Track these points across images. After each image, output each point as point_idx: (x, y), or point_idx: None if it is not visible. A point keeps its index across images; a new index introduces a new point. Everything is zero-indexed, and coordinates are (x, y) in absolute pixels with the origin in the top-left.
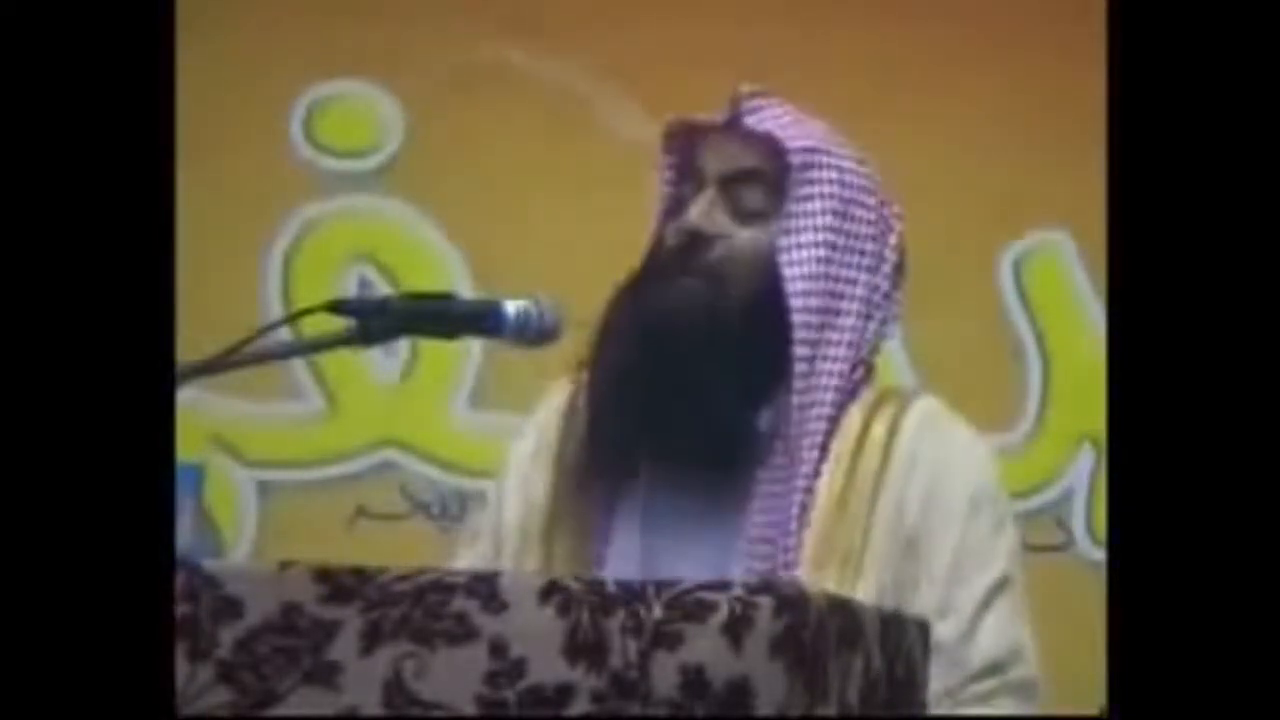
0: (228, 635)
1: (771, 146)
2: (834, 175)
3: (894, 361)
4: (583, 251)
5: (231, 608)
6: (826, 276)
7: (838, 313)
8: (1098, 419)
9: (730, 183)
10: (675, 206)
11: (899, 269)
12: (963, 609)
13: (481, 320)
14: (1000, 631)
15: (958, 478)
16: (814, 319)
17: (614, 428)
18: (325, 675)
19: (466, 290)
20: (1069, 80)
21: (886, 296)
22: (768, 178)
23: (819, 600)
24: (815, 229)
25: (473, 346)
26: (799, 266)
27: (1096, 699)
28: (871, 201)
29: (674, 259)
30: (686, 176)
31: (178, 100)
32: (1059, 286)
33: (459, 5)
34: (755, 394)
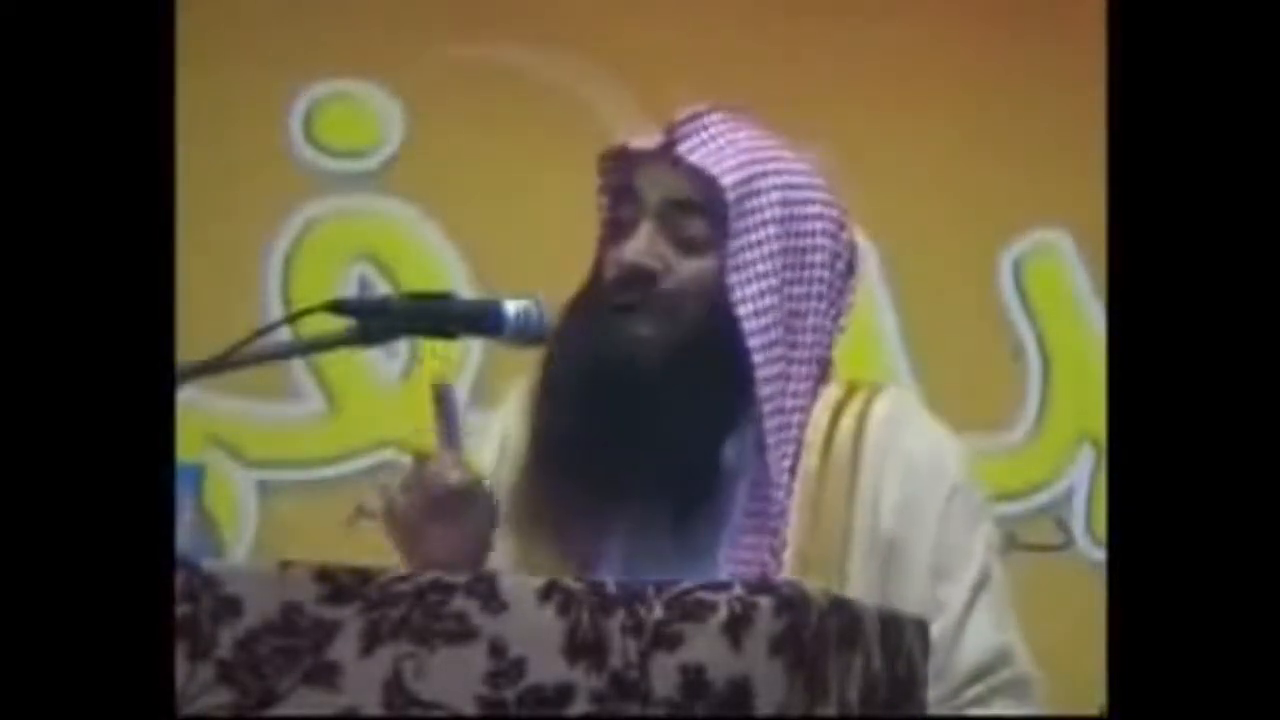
0: (228, 635)
1: (706, 178)
2: (776, 197)
3: (894, 361)
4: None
5: (231, 608)
6: (783, 299)
7: (799, 330)
8: (1098, 419)
9: (669, 212)
10: (614, 233)
11: (851, 265)
12: (950, 607)
13: (481, 320)
14: (988, 629)
15: (930, 471)
16: (776, 346)
17: (573, 469)
18: (325, 675)
19: (466, 290)
20: (1069, 80)
21: (840, 293)
22: (706, 209)
23: (819, 600)
24: (763, 258)
25: (473, 346)
26: (752, 302)
27: (1096, 699)
28: (818, 209)
29: (617, 293)
30: (624, 202)
31: (178, 100)
32: (1059, 286)
33: (459, 5)
34: (720, 423)
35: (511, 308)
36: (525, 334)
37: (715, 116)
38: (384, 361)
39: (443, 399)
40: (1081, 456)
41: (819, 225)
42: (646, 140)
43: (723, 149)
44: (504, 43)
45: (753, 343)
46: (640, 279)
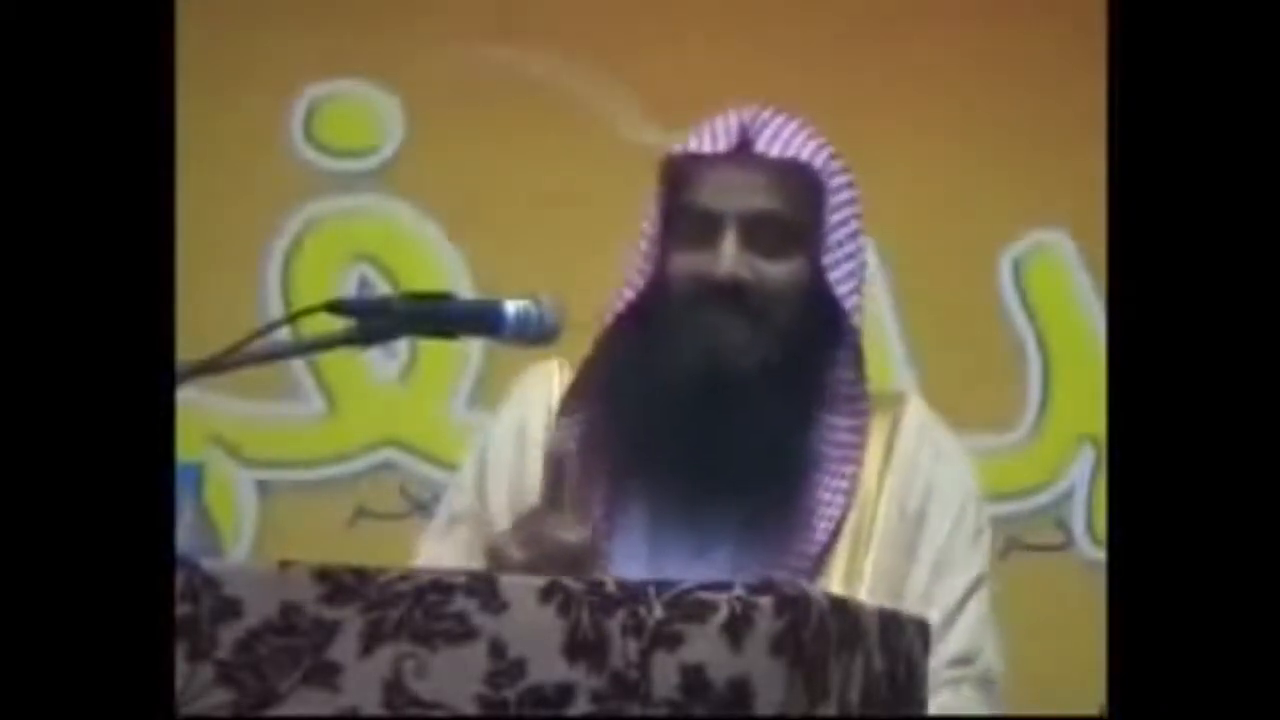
0: (227, 635)
1: (793, 169)
2: (846, 179)
3: (895, 361)
4: (583, 252)
5: (231, 608)
6: (861, 282)
7: (861, 314)
8: (1098, 419)
9: (752, 221)
10: (685, 243)
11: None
12: (945, 602)
13: (481, 320)
14: (973, 626)
15: (950, 482)
16: (858, 330)
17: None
18: (325, 675)
19: (466, 290)
20: (1069, 80)
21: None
22: (794, 206)
23: (819, 600)
24: (853, 235)
25: (473, 346)
26: (848, 282)
27: (1096, 699)
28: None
29: (707, 303)
30: (692, 213)
31: (178, 100)
32: (1059, 286)
33: (459, 5)
34: (804, 426)
35: (511, 308)
36: (525, 334)
37: (765, 112)
38: (384, 361)
39: (561, 466)
40: (1081, 456)
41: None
42: (716, 143)
43: (796, 134)
44: (504, 43)
45: (852, 320)
46: (730, 292)
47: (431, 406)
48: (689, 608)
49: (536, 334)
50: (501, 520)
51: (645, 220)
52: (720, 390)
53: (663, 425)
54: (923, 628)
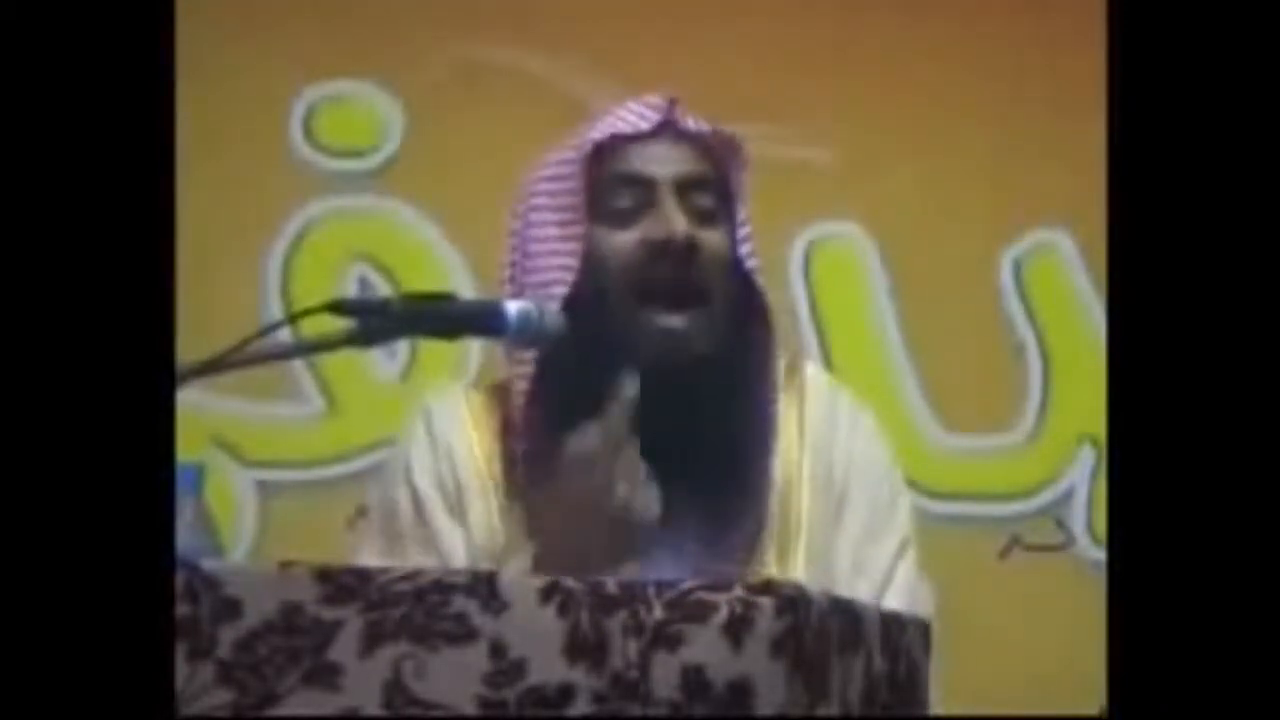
0: (228, 635)
1: (717, 141)
2: (747, 154)
3: (895, 361)
4: None
5: (231, 608)
6: (757, 260)
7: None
8: (1098, 419)
9: (684, 187)
10: (624, 219)
11: None
12: (876, 567)
13: (481, 320)
14: (904, 591)
15: (863, 447)
16: (768, 304)
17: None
18: (325, 675)
19: (466, 290)
20: (1069, 80)
21: None
22: (720, 171)
23: (820, 600)
24: (750, 218)
25: (472, 346)
26: (754, 257)
27: (1096, 699)
28: None
29: (647, 272)
30: (630, 186)
31: (178, 100)
32: (1059, 286)
33: (459, 5)
34: (753, 407)
35: (512, 308)
36: (525, 334)
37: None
38: (384, 361)
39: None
40: (1081, 456)
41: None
42: (641, 123)
43: (715, 116)
44: (504, 43)
45: (760, 304)
46: (675, 251)
47: None
48: (689, 608)
49: (537, 334)
50: (445, 536)
51: (547, 214)
52: (674, 376)
53: (637, 416)
54: (924, 628)
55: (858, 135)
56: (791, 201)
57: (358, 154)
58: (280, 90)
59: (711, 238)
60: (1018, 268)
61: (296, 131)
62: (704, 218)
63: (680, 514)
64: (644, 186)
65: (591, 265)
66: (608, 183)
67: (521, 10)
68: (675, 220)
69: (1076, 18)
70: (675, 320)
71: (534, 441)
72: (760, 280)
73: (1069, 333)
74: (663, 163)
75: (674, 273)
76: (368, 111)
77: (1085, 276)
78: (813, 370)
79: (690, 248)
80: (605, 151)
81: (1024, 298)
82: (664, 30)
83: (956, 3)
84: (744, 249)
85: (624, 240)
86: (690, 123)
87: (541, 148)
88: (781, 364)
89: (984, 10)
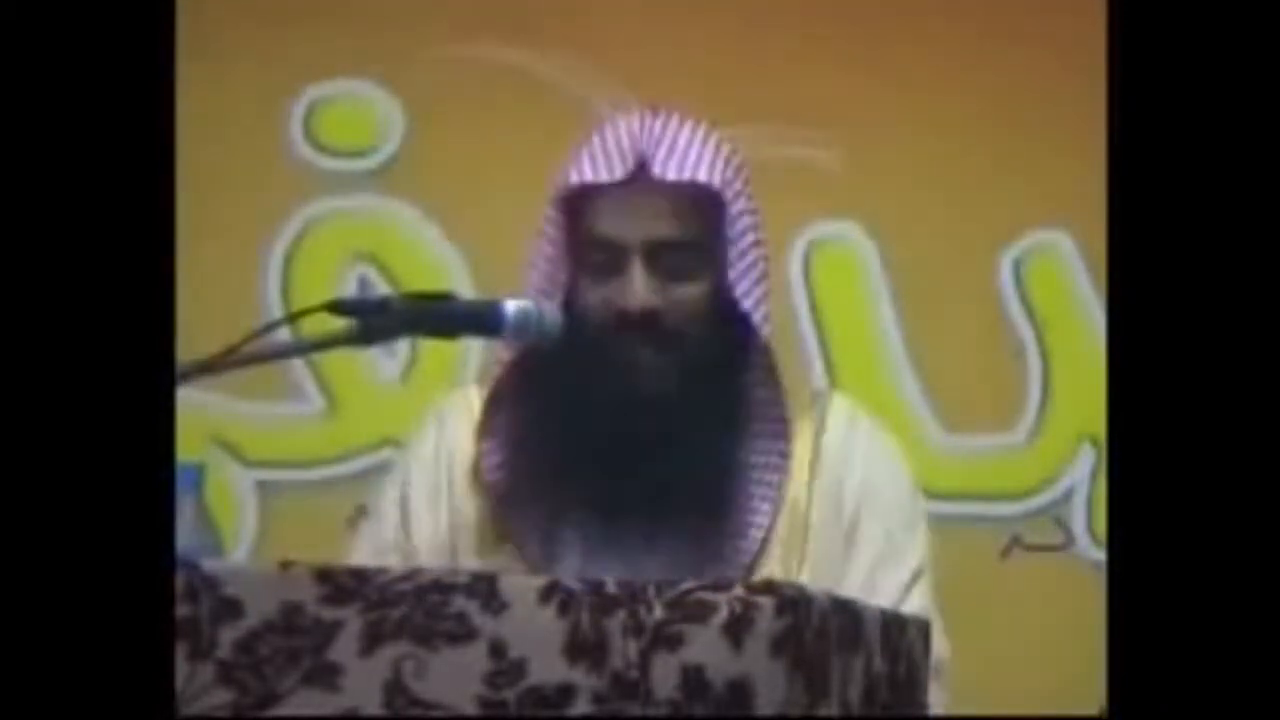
0: (228, 635)
1: (695, 193)
2: (746, 188)
3: (895, 361)
4: None
5: (231, 608)
6: (766, 293)
7: (770, 324)
8: (1098, 419)
9: (656, 250)
10: (595, 276)
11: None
12: (887, 595)
13: (481, 320)
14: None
15: (882, 476)
16: (768, 341)
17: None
18: (325, 675)
19: (466, 290)
20: (1069, 79)
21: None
22: (696, 229)
23: (820, 601)
24: (754, 246)
25: (472, 346)
26: (754, 294)
27: (1096, 699)
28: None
29: (620, 332)
30: (596, 242)
31: (178, 99)
32: (1059, 286)
33: (459, 5)
34: (725, 433)
35: (511, 308)
36: (525, 334)
37: (658, 121)
38: (384, 361)
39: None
40: (1081, 456)
41: (753, 202)
42: (613, 169)
43: (692, 147)
44: (504, 43)
45: (763, 332)
46: (641, 322)
47: None
48: (689, 608)
49: (536, 334)
50: (426, 552)
51: (544, 242)
52: (639, 413)
53: (584, 451)
54: (924, 628)
55: (858, 135)
56: (791, 202)
57: (358, 154)
58: (280, 90)
59: (687, 293)
60: (1018, 268)
61: (296, 131)
62: (678, 276)
63: (666, 548)
64: (614, 250)
65: (570, 307)
66: (583, 236)
67: (522, 10)
68: (635, 293)
69: (1076, 18)
70: (645, 354)
71: (490, 444)
72: (759, 317)
73: (1069, 333)
74: (634, 221)
75: (639, 335)
76: (368, 111)
77: (1085, 276)
78: (838, 401)
79: (647, 321)
80: (577, 201)
81: (1024, 298)
82: (665, 30)
83: (957, 3)
84: (740, 288)
85: (597, 296)
86: (668, 170)
87: (541, 148)
88: (783, 396)
89: (985, 13)
